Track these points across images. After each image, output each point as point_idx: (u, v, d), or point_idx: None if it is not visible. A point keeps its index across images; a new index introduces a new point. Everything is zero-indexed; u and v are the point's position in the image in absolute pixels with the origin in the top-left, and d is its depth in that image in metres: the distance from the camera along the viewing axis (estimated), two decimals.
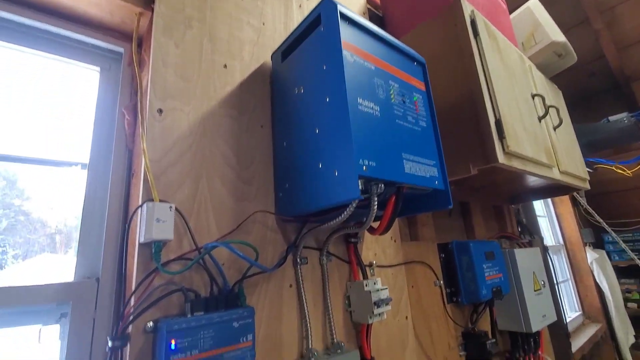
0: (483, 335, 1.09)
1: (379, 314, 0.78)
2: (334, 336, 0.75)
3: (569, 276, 2.67)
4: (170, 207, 0.56)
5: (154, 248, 0.54)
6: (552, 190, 1.54)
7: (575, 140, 1.50)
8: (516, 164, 0.91)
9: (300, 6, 0.97)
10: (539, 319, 1.23)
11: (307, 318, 0.72)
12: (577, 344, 2.11)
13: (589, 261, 2.64)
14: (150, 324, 0.53)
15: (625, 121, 2.03)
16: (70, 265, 0.65)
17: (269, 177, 0.75)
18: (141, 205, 0.56)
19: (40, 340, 0.61)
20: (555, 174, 1.15)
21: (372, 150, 0.58)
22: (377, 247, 0.94)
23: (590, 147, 2.20)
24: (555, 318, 1.37)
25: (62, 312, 0.63)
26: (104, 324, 0.62)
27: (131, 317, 0.52)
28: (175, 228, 0.59)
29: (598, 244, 2.92)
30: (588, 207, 2.44)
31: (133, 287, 0.53)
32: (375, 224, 0.69)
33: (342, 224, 0.74)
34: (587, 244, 2.75)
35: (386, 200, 0.66)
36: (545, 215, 2.75)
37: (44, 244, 0.69)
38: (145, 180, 0.57)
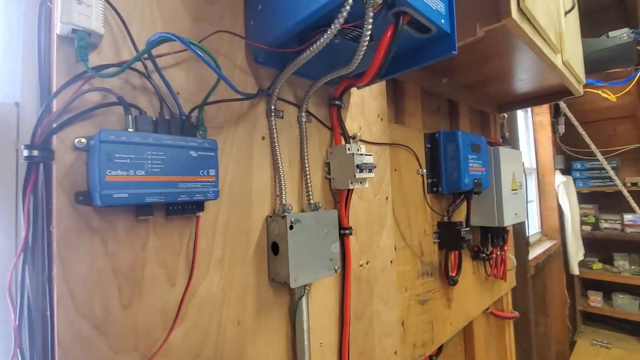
0: (458, 224, 1.08)
1: (361, 180, 0.71)
2: (311, 198, 0.68)
3: (535, 198, 2.80)
4: None
5: (77, 41, 0.41)
6: (543, 95, 1.47)
7: (579, 37, 1.39)
8: (527, 29, 0.80)
9: None
10: (511, 216, 1.24)
11: (282, 175, 0.64)
12: (533, 253, 2.28)
13: (556, 184, 2.75)
14: (82, 139, 0.42)
15: (625, 37, 1.91)
16: None
17: (238, 1, 0.60)
18: None
19: None
20: (558, 62, 1.05)
21: None
22: (362, 121, 0.84)
23: (585, 64, 2.10)
24: (525, 218, 1.40)
25: None
26: None
27: (54, 126, 0.40)
28: (109, 31, 0.45)
29: (567, 171, 3.03)
30: (577, 124, 2.43)
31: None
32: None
33: (325, 66, 0.62)
34: (557, 170, 2.85)
35: (378, 41, 0.54)
36: (524, 139, 2.76)
37: None
38: None
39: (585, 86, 2.50)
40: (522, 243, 1.98)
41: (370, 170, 0.72)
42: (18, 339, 0.39)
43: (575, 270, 2.78)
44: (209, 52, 0.44)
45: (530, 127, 2.84)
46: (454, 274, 1.10)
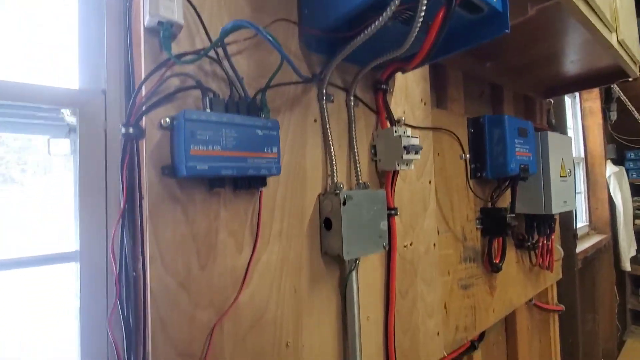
0: (503, 210, 1.07)
1: (407, 162, 0.73)
2: (360, 177, 0.71)
3: (583, 189, 2.64)
4: None
5: (162, 32, 0.46)
6: (594, 78, 1.39)
7: (635, 16, 1.30)
8: (582, 6, 0.77)
9: None
10: (560, 204, 1.20)
11: (333, 156, 0.67)
12: (581, 247, 2.17)
13: (607, 175, 2.58)
14: (167, 119, 0.47)
15: None
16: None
17: None
18: None
19: (50, 152, 0.57)
20: (613, 40, 1.00)
21: None
22: (406, 105, 0.86)
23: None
24: (574, 207, 1.35)
25: (71, 126, 0.58)
26: (116, 136, 0.57)
27: (144, 108, 0.46)
28: (185, 23, 0.50)
29: (619, 161, 2.82)
30: (632, 108, 2.25)
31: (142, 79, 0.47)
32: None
33: (376, 51, 0.64)
34: (608, 159, 2.67)
35: (429, 24, 0.55)
36: (571, 127, 2.60)
37: None
38: None
39: None
40: (570, 235, 1.89)
41: (417, 152, 0.73)
42: (118, 290, 0.46)
43: (627, 266, 2.61)
44: (275, 38, 0.48)
45: (579, 115, 2.67)
46: (497, 261, 1.09)
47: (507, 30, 0.60)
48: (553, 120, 1.79)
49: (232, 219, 0.53)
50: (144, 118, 0.47)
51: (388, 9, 0.50)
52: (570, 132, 2.54)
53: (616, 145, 2.86)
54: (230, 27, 0.47)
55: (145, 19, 0.46)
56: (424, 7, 0.50)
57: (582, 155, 2.66)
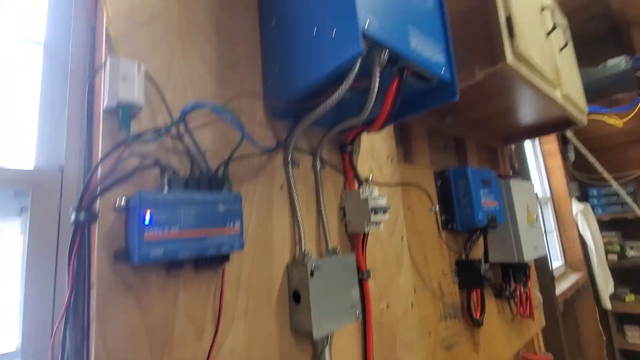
0: (477, 262, 1.07)
1: (376, 223, 0.73)
2: (329, 243, 0.70)
3: (554, 228, 2.73)
4: (139, 64, 0.47)
5: (121, 113, 0.46)
6: (548, 126, 1.50)
7: (577, 69, 1.45)
8: (523, 71, 0.85)
9: None
10: (531, 250, 1.22)
11: (300, 222, 0.66)
12: (559, 288, 2.18)
13: (574, 213, 2.69)
14: (122, 200, 0.46)
15: (623, 64, 1.98)
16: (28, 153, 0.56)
17: (256, 65, 0.66)
18: (104, 63, 0.47)
19: None
20: (557, 97, 1.10)
21: (377, 9, 0.50)
22: (373, 164, 0.88)
23: (586, 92, 2.16)
24: (545, 252, 1.37)
25: (22, 205, 0.55)
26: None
27: (98, 190, 0.44)
28: (146, 99, 0.50)
29: (583, 198, 2.97)
30: (586, 152, 2.43)
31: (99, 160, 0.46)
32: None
33: (336, 118, 0.67)
34: (573, 197, 2.80)
35: (385, 92, 0.59)
36: (535, 168, 2.75)
37: None
38: (108, 37, 0.48)
39: (589, 114, 2.54)
40: (547, 277, 1.91)
41: (384, 212, 0.74)
42: None
43: (608, 304, 2.63)
44: (235, 116, 0.49)
45: (540, 156, 2.84)
46: (477, 315, 1.07)
47: (455, 99, 0.65)
48: (516, 165, 1.89)
49: (192, 301, 0.50)
50: (97, 200, 0.45)
51: (344, 84, 0.52)
52: (534, 173, 2.68)
53: (578, 183, 3.02)
54: (190, 108, 0.47)
55: (104, 100, 0.46)
56: (377, 82, 0.53)
57: (549, 194, 2.79)
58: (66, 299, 0.42)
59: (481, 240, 1.15)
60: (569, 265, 2.73)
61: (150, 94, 0.51)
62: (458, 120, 1.32)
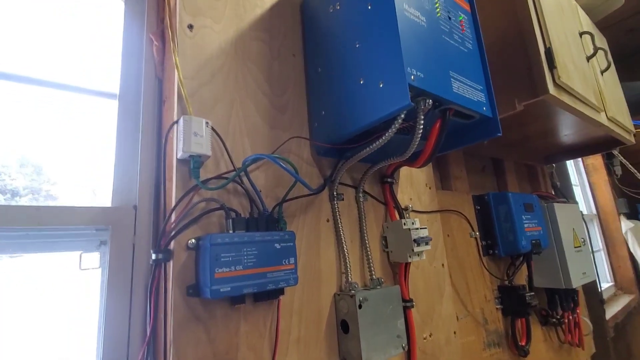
0: (521, 289, 1.05)
1: (419, 253, 0.75)
2: (373, 273, 0.72)
3: (601, 246, 2.57)
4: (207, 122, 0.53)
5: (192, 164, 0.52)
6: (591, 146, 1.44)
7: (620, 89, 1.40)
8: (566, 99, 0.84)
9: None
10: (579, 276, 1.17)
11: (346, 253, 0.69)
12: (610, 312, 2.04)
13: (624, 231, 2.52)
14: (192, 240, 0.51)
15: None
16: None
17: (303, 107, 0.72)
18: (177, 121, 0.53)
19: (81, 266, 0.61)
20: (603, 119, 1.07)
21: (420, 61, 0.54)
22: (412, 192, 0.90)
23: (630, 106, 2.06)
24: (595, 277, 1.31)
25: (102, 239, 0.62)
26: (143, 250, 0.61)
27: (173, 233, 0.50)
28: (211, 148, 0.56)
29: (632, 215, 2.78)
30: (630, 166, 2.30)
31: (172, 204, 0.52)
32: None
33: (381, 155, 0.70)
34: (621, 214, 2.63)
35: (428, 130, 0.61)
36: (577, 184, 2.62)
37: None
38: (180, 97, 0.55)
39: (637, 127, 2.40)
40: (596, 301, 1.80)
41: (427, 243, 0.75)
42: None
43: None
44: (292, 162, 0.54)
45: (583, 171, 2.71)
46: (523, 344, 1.04)
47: (499, 134, 0.66)
48: (558, 183, 1.82)
49: (252, 332, 0.54)
50: (172, 242, 0.50)
51: (392, 128, 0.56)
52: (577, 190, 2.55)
53: (627, 199, 2.83)
54: (251, 160, 0.53)
55: (178, 152, 0.53)
56: (422, 126, 0.56)
57: (594, 211, 2.64)
58: (149, 330, 0.47)
59: (524, 265, 1.12)
60: (620, 286, 2.54)
61: (215, 143, 0.57)
62: (495, 142, 1.31)
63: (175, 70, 0.54)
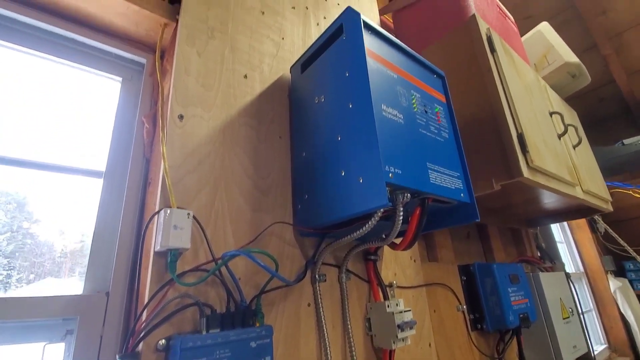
0: None
1: (403, 339, 0.72)
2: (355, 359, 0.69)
3: (591, 306, 2.54)
4: (188, 214, 0.53)
5: (169, 257, 0.51)
6: (572, 212, 1.48)
7: (594, 160, 1.47)
8: (540, 180, 0.88)
9: (317, 24, 0.99)
10: (569, 351, 1.14)
11: (327, 340, 0.66)
12: None
13: (612, 290, 2.51)
14: (163, 341, 0.49)
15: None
16: (77, 283, 0.62)
17: (287, 188, 0.73)
18: (158, 212, 0.53)
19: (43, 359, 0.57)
20: (578, 193, 1.11)
21: (398, 158, 0.56)
22: (396, 267, 0.89)
23: (604, 171, 2.16)
24: (586, 349, 1.27)
25: (68, 328, 0.59)
26: (111, 341, 0.58)
27: (142, 333, 0.48)
28: (191, 237, 0.56)
29: (619, 272, 2.78)
30: (612, 232, 2.36)
31: (146, 300, 0.50)
32: (397, 240, 0.66)
33: (362, 239, 0.70)
34: (609, 272, 2.63)
35: (409, 214, 0.63)
36: (562, 241, 2.65)
37: (49, 267, 0.65)
38: (164, 186, 0.55)
39: (614, 188, 2.49)
40: None
41: (411, 328, 0.73)
42: None
43: None
44: (271, 255, 0.53)
45: (567, 229, 2.75)
46: None
47: (477, 219, 0.68)
48: (543, 244, 1.84)
49: None
50: (141, 343, 0.48)
51: (372, 220, 0.57)
52: (562, 247, 2.57)
53: (612, 257, 2.86)
54: (229, 257, 0.52)
55: (157, 245, 0.52)
56: (401, 216, 0.57)
57: (582, 268, 2.64)
58: None
59: (514, 340, 1.09)
60: (613, 348, 2.47)
61: (195, 231, 0.57)
62: (479, 209, 1.33)
63: (162, 161, 0.56)
